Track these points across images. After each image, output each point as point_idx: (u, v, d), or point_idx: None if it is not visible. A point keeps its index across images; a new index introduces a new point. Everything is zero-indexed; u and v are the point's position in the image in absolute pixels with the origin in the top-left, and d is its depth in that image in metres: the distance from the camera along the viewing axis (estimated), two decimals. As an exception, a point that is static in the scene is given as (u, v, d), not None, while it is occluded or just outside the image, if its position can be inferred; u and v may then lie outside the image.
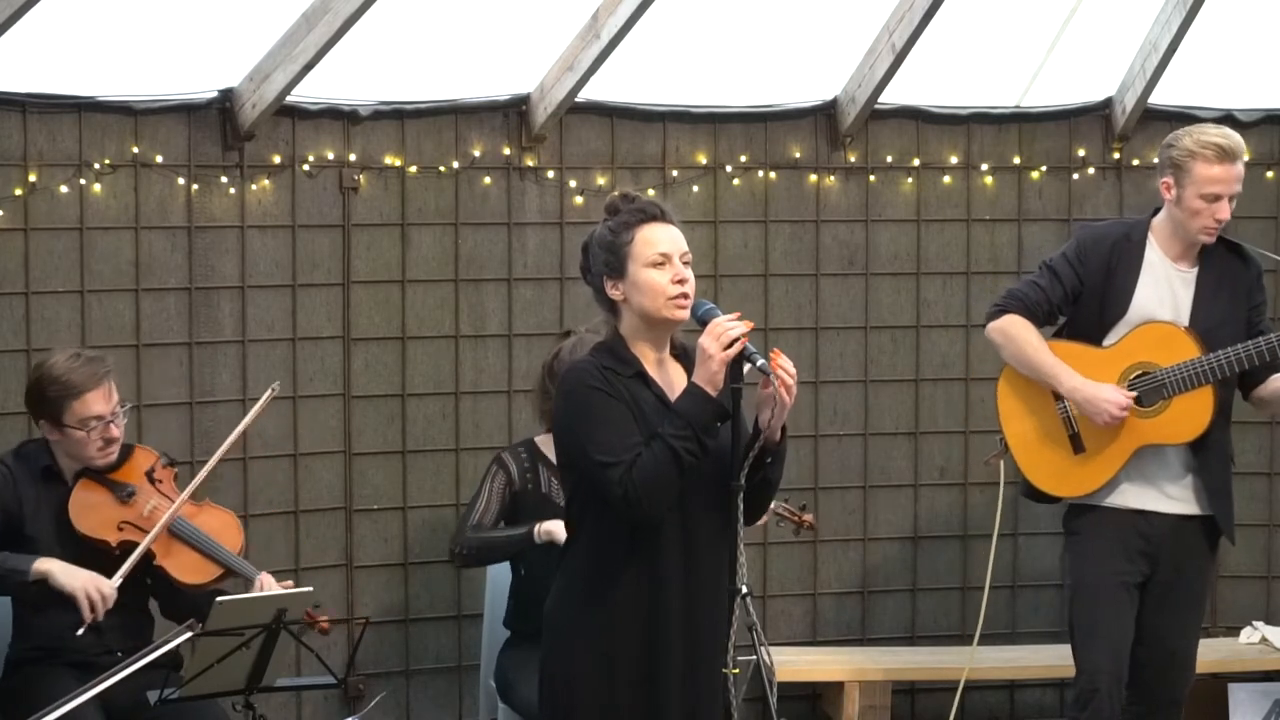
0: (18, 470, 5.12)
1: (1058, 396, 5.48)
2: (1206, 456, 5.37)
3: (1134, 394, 5.34)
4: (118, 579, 4.94)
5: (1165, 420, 5.34)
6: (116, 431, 5.12)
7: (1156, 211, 5.44)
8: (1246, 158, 5.34)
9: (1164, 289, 5.38)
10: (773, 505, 5.90)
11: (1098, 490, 5.44)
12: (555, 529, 5.44)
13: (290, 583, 5.17)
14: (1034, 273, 5.54)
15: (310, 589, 5.02)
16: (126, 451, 5.20)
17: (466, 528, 5.70)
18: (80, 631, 4.90)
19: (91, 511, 5.08)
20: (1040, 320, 5.48)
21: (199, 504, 5.26)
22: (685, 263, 4.19)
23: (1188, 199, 5.29)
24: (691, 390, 4.11)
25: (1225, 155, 5.25)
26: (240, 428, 5.29)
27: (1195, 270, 5.38)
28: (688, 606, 4.19)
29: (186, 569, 5.10)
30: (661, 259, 4.15)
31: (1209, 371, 5.26)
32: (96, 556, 5.04)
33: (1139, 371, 5.36)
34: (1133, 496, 5.42)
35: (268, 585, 5.08)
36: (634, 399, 4.15)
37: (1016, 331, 5.45)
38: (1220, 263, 5.39)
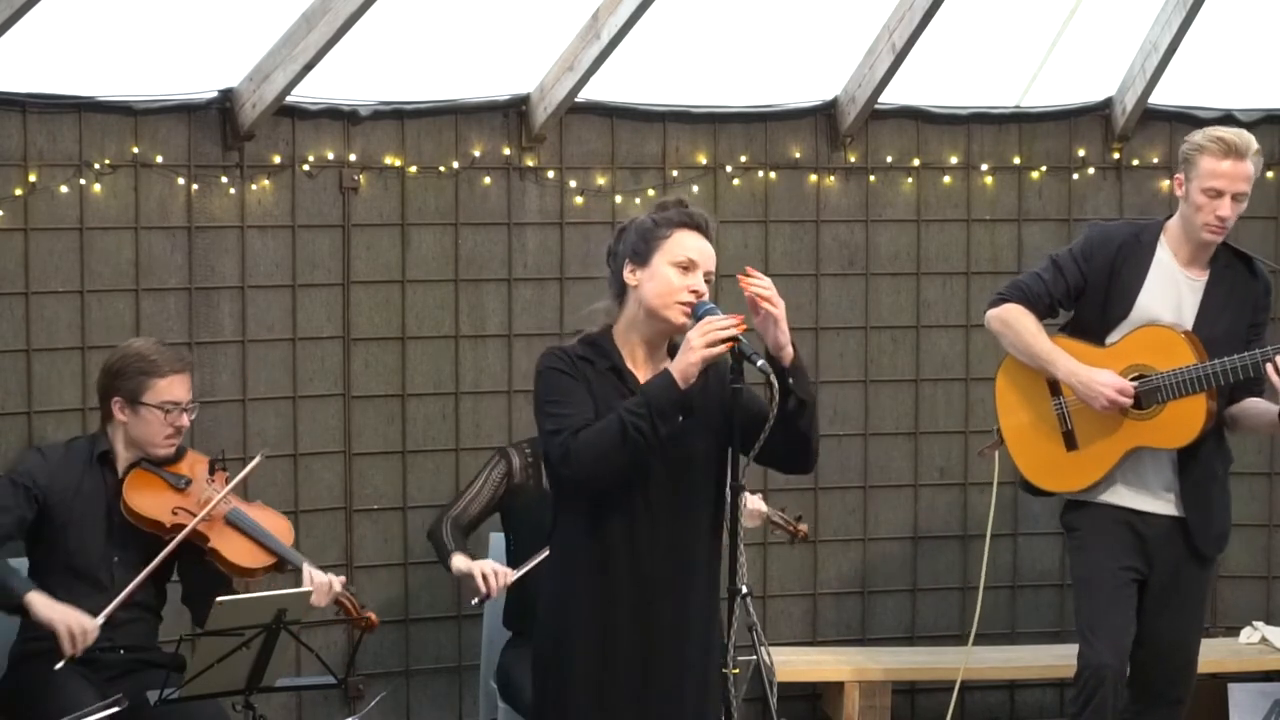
0: (62, 459, 5.18)
1: (1054, 392, 5.50)
2: (1192, 466, 5.39)
3: (1134, 383, 5.35)
4: (102, 618, 4.97)
5: (1158, 424, 5.35)
6: (186, 422, 5.23)
7: (1171, 215, 5.45)
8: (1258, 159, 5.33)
9: (1170, 292, 5.38)
10: (768, 512, 5.91)
11: (1090, 488, 5.46)
12: (461, 566, 5.55)
13: (344, 577, 5.24)
14: (1040, 265, 5.55)
15: (310, 589, 5.03)
16: (179, 452, 5.30)
17: (446, 518, 5.75)
18: (58, 666, 4.91)
19: (147, 494, 5.17)
20: (1040, 313, 5.51)
21: (252, 504, 5.36)
22: (707, 279, 4.25)
23: (1192, 193, 5.30)
24: (662, 375, 4.15)
25: (1230, 150, 5.26)
26: (240, 475, 5.30)
27: (1205, 279, 5.38)
28: (639, 597, 4.22)
29: (239, 553, 5.17)
30: (687, 263, 4.22)
31: (1205, 379, 5.26)
32: (146, 540, 5.11)
33: (1136, 374, 5.37)
34: (1127, 496, 5.44)
35: (316, 576, 5.12)
36: (597, 387, 4.19)
37: (1015, 318, 5.48)
38: (1231, 275, 5.40)
